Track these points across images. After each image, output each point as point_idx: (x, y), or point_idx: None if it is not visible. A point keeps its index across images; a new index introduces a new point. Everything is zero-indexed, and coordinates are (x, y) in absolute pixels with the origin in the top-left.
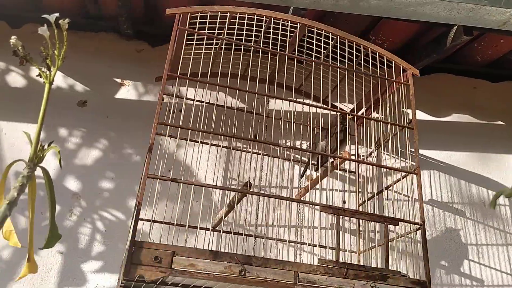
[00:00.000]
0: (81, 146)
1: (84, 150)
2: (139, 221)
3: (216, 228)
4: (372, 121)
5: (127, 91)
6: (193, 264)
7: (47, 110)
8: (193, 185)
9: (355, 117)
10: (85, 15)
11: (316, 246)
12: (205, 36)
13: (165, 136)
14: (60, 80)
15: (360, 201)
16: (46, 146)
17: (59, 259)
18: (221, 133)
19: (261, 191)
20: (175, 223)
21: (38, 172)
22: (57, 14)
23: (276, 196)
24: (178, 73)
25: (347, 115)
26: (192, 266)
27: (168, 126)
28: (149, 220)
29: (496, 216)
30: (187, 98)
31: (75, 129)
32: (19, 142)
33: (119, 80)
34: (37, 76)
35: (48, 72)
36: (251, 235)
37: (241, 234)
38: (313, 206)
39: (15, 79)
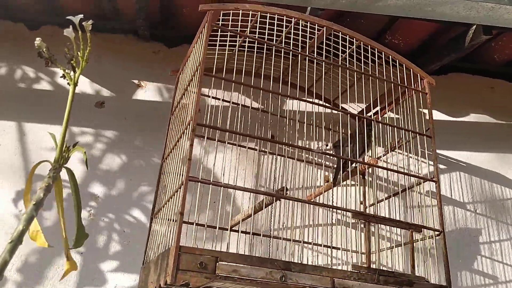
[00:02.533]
0: (98, 147)
1: (101, 151)
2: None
3: (249, 231)
4: (392, 127)
5: (144, 92)
6: (236, 270)
7: (65, 111)
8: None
9: (379, 122)
10: (102, 17)
11: (348, 250)
12: (229, 34)
13: (203, 137)
14: (78, 81)
15: (371, 204)
16: (71, 147)
17: (79, 259)
18: (257, 136)
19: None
20: (217, 227)
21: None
22: (81, 16)
23: (311, 202)
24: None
25: (373, 120)
26: (235, 272)
27: (204, 127)
28: (191, 223)
29: None
30: (218, 98)
31: (93, 130)
32: (39, 143)
33: (136, 81)
34: (61, 77)
35: (72, 74)
36: (288, 240)
37: (279, 238)
38: (333, 209)
39: (35, 80)
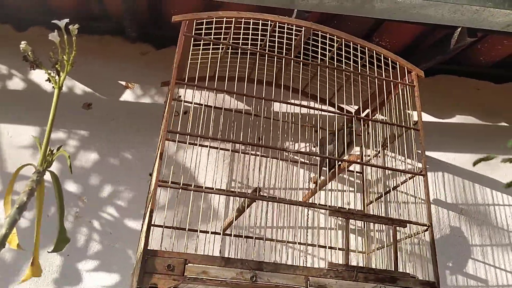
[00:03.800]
0: (85, 148)
1: (88, 152)
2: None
3: (225, 232)
4: (378, 123)
5: (132, 94)
6: (205, 271)
7: None
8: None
9: (360, 119)
10: (91, 18)
11: (325, 247)
12: (210, 42)
13: (174, 141)
14: (65, 82)
15: (367, 202)
16: (55, 151)
17: (62, 261)
18: (228, 139)
19: (269, 195)
20: (187, 229)
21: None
22: (67, 20)
23: (285, 201)
24: (185, 78)
25: (353, 117)
26: (205, 273)
27: (176, 131)
28: (160, 226)
29: (500, 216)
30: (189, 102)
31: (80, 131)
32: (24, 145)
33: (123, 83)
34: (46, 81)
35: (57, 77)
36: (261, 238)
37: (251, 237)
38: (321, 209)
39: (20, 82)
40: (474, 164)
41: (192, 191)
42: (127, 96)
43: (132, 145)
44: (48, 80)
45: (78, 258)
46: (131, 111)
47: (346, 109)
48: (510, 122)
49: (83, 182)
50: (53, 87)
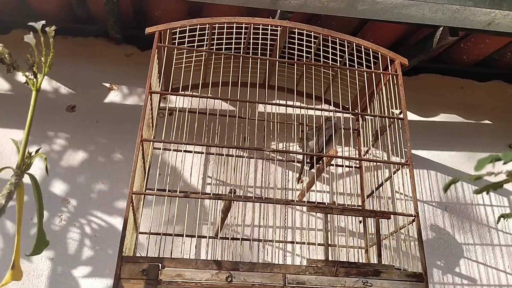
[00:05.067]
0: (70, 151)
1: (73, 155)
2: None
3: (201, 235)
4: (363, 118)
5: (116, 96)
6: (180, 274)
7: (35, 116)
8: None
9: (341, 113)
10: (74, 20)
11: (304, 243)
12: (185, 50)
13: (152, 148)
14: (49, 85)
15: (362, 198)
16: (33, 153)
17: (49, 265)
18: (206, 143)
19: (253, 195)
20: (161, 233)
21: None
22: (43, 22)
23: (261, 200)
24: (170, 83)
25: (333, 111)
26: (180, 276)
27: (154, 134)
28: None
29: (484, 215)
30: (164, 109)
31: (64, 134)
32: (8, 148)
33: (108, 85)
34: (24, 83)
35: (34, 80)
36: (237, 239)
37: (238, 239)
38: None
39: (3, 84)
40: (445, 189)
41: (166, 196)
42: (112, 98)
43: (116, 147)
44: (26, 82)
45: (63, 262)
46: (116, 113)
47: (325, 104)
48: (493, 120)
49: (68, 185)
50: (31, 89)
